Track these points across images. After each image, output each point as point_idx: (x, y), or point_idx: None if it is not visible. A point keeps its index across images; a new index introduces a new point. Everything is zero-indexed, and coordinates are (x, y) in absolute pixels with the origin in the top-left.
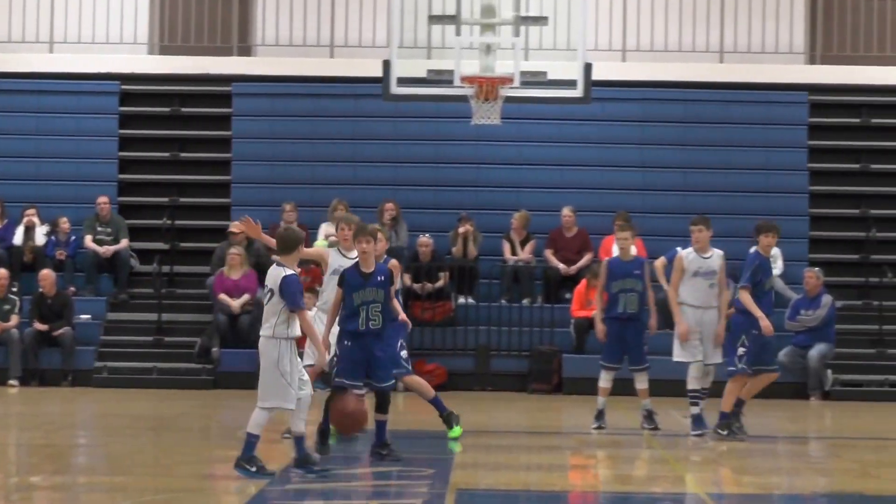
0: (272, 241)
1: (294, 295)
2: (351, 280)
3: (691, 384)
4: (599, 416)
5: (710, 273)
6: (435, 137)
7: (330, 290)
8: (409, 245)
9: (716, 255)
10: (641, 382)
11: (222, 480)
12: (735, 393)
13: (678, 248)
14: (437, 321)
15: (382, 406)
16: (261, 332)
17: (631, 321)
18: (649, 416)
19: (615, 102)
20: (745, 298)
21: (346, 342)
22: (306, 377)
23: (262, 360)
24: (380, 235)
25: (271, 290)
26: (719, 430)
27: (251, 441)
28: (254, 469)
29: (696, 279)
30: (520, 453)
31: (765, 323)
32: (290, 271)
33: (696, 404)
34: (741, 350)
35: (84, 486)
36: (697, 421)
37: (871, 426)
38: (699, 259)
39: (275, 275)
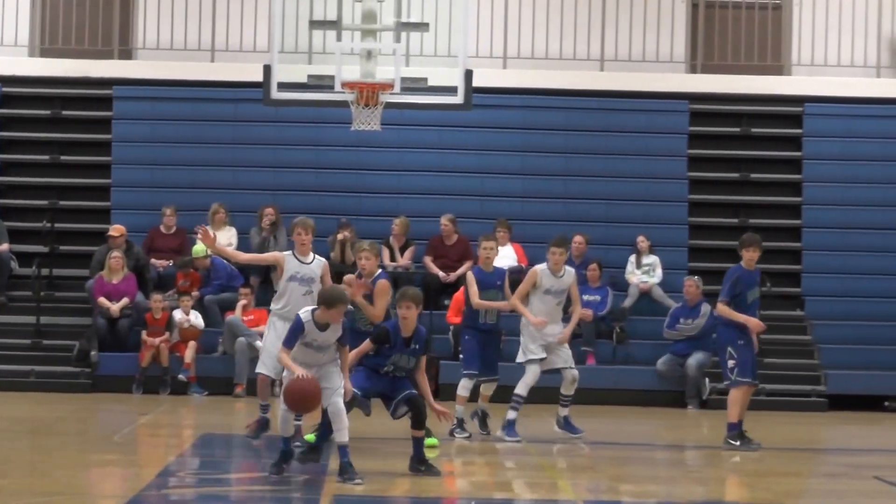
0: (231, 254)
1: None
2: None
3: (520, 388)
4: (461, 424)
5: (560, 292)
6: (316, 143)
7: (288, 294)
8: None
9: (568, 274)
10: (489, 390)
11: (99, 483)
12: (739, 403)
13: None
14: None
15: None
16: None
17: (491, 333)
18: (483, 420)
19: (496, 109)
20: (725, 310)
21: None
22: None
23: None
24: (367, 254)
25: None
26: (730, 441)
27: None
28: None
29: (546, 296)
30: (395, 460)
31: (752, 322)
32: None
33: (515, 409)
34: (731, 363)
35: None
36: (510, 427)
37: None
38: (552, 277)
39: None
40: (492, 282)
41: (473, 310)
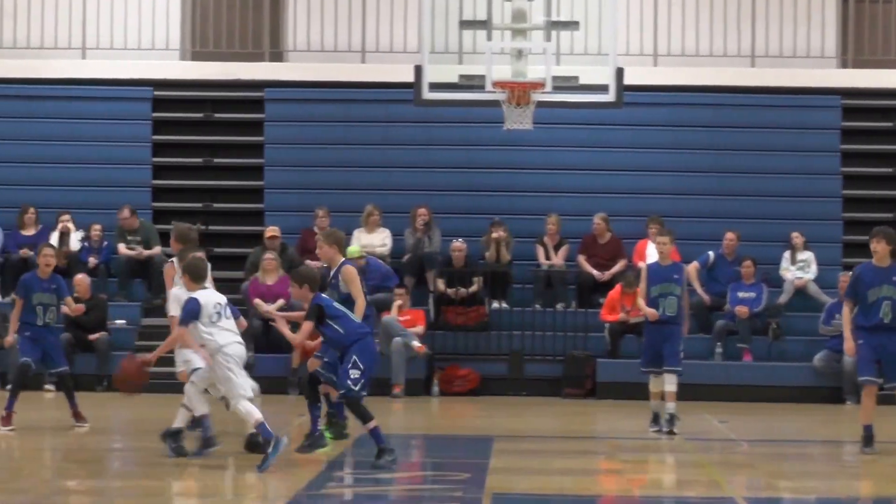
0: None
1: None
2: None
3: None
4: (655, 419)
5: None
6: (467, 143)
7: None
8: (442, 250)
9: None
10: (671, 385)
11: (259, 485)
12: (863, 403)
13: (710, 252)
14: (471, 326)
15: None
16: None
17: (668, 324)
18: (671, 420)
19: (647, 107)
20: (844, 312)
21: None
22: None
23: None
24: (321, 242)
25: None
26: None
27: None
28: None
29: None
30: (553, 458)
31: (847, 345)
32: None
33: None
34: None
35: (117, 490)
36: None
37: None
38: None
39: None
40: (668, 275)
41: (652, 303)
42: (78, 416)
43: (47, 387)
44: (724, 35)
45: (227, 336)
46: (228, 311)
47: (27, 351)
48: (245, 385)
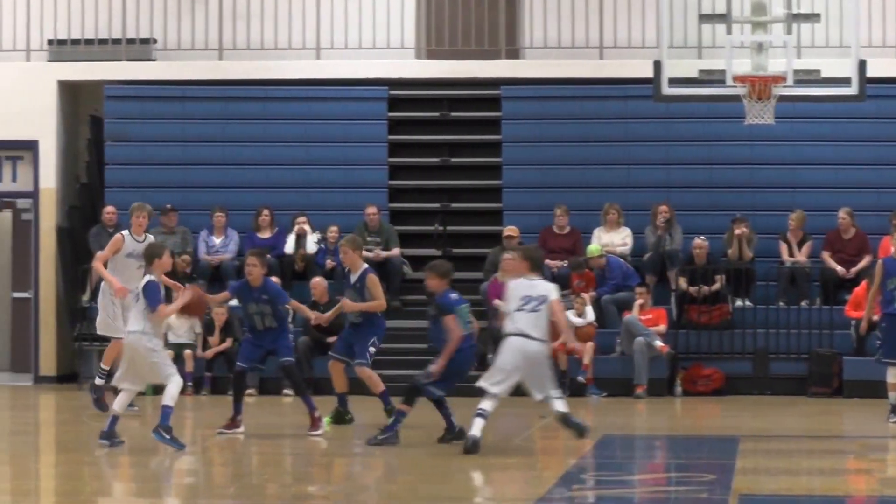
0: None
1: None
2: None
3: None
4: (894, 410)
5: None
6: (707, 138)
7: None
8: (684, 248)
9: None
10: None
11: (500, 487)
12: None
13: None
14: (714, 324)
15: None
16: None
17: None
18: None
19: (891, 99)
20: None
21: None
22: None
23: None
24: (344, 248)
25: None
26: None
27: (168, 412)
28: (168, 437)
29: None
30: (801, 458)
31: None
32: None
33: None
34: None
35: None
36: None
37: None
38: None
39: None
40: None
41: (889, 297)
42: (314, 421)
43: (286, 392)
44: None
45: None
46: None
47: (245, 355)
48: None
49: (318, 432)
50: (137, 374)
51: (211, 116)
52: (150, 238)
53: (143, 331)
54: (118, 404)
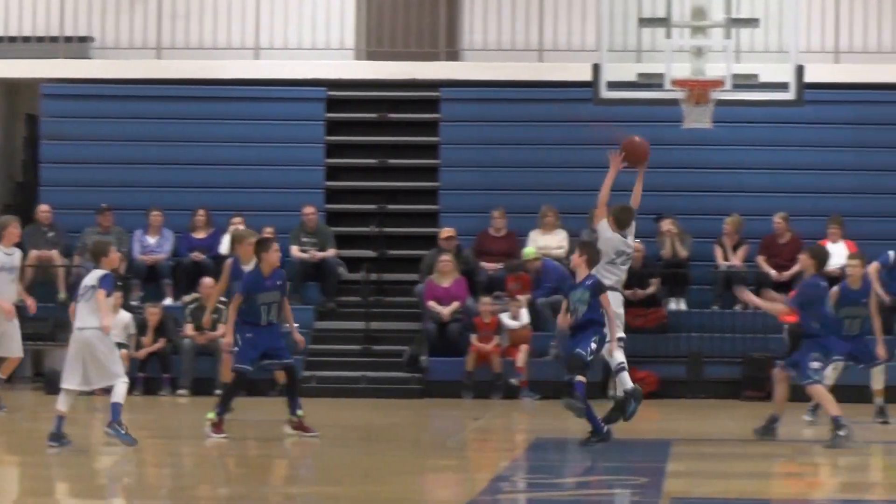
0: None
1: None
2: None
3: None
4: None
5: None
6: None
7: None
8: None
9: None
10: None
11: (433, 489)
12: None
13: (891, 252)
14: (650, 328)
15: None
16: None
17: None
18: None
19: (828, 105)
20: None
21: None
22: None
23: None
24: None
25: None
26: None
27: (118, 408)
28: (123, 431)
29: None
30: (734, 461)
31: None
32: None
33: None
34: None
35: (298, 496)
36: None
37: None
38: None
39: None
40: (856, 299)
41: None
42: (294, 422)
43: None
44: None
45: None
46: None
47: (245, 356)
48: None
49: (315, 434)
50: (85, 375)
51: (148, 116)
52: (18, 252)
53: (98, 328)
54: (62, 404)
